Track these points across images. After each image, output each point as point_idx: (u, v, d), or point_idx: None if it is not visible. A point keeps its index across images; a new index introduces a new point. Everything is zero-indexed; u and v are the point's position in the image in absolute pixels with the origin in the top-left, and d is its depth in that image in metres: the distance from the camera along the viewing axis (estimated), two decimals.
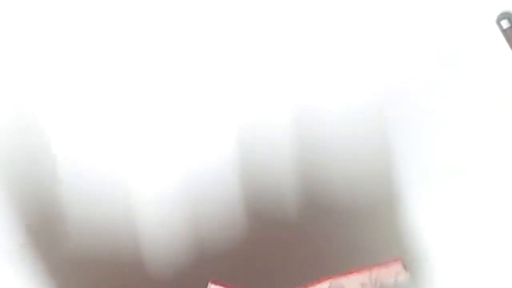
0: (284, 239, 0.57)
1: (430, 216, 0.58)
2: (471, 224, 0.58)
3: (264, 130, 0.58)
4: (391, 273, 0.54)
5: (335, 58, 0.58)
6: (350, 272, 0.53)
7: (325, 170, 0.58)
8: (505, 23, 0.57)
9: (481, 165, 0.58)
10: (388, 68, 0.58)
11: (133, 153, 0.58)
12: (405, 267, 0.53)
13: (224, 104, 0.58)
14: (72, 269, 0.57)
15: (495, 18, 0.57)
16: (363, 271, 0.53)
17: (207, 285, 0.50)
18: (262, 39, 0.58)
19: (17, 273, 0.57)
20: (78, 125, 0.58)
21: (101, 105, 0.58)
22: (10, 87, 0.58)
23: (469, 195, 0.58)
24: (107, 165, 0.58)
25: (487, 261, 0.57)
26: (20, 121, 0.58)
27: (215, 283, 0.51)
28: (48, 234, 0.57)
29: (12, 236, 0.57)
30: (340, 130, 0.58)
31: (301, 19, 0.58)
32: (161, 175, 0.58)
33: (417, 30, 0.58)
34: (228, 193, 0.58)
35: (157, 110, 0.58)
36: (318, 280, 0.52)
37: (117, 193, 0.58)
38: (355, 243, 0.58)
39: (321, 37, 0.58)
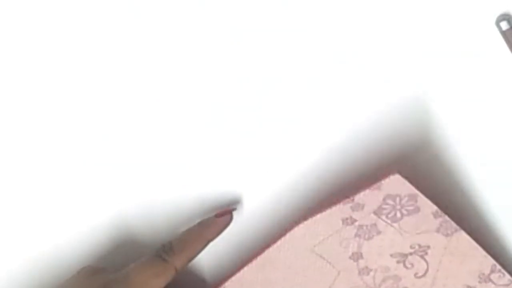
0: None
1: None
2: None
3: None
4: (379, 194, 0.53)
5: (336, 65, 0.59)
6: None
7: None
8: (504, 25, 0.57)
9: (481, 165, 0.59)
10: (387, 70, 0.59)
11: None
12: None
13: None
14: None
15: (494, 20, 0.58)
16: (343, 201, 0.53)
17: None
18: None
19: None
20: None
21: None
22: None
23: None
24: None
25: None
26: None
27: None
28: None
29: None
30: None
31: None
32: None
33: (416, 31, 0.59)
34: None
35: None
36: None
37: None
38: None
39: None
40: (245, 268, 0.55)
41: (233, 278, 0.55)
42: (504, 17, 0.57)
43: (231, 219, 0.57)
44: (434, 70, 0.59)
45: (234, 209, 0.58)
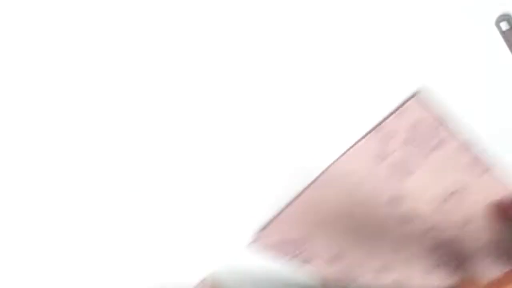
0: None
1: None
2: None
3: None
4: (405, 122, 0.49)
5: (338, 64, 0.59)
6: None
7: None
8: (504, 25, 0.57)
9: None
10: (388, 69, 0.59)
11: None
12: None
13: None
14: None
15: (494, 20, 0.58)
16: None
17: None
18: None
19: None
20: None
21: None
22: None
23: None
24: None
25: None
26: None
27: None
28: None
29: None
30: None
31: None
32: None
33: (416, 32, 0.59)
34: None
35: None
36: None
37: None
38: None
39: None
40: (291, 205, 0.53)
41: (279, 217, 0.53)
42: (504, 17, 0.57)
43: None
44: (435, 70, 0.59)
45: None
